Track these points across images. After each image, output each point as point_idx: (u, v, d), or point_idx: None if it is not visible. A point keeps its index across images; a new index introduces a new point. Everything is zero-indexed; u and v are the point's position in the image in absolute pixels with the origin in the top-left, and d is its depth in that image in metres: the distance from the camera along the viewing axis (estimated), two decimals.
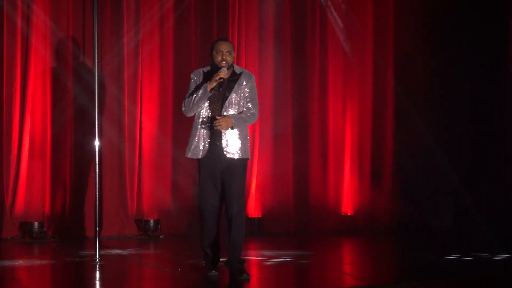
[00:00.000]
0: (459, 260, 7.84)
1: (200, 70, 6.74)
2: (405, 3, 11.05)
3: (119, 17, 9.99)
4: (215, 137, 6.59)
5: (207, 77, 6.61)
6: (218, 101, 6.61)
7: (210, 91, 6.54)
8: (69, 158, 9.75)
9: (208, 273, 6.75)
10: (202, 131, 6.61)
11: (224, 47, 6.61)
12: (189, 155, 6.66)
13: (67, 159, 9.75)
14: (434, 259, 7.97)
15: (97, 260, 7.44)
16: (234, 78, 6.66)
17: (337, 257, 8.84)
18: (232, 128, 6.56)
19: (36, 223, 9.50)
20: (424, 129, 10.81)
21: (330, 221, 10.73)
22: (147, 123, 10.08)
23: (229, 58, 6.60)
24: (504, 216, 10.22)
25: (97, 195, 7.67)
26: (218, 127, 6.49)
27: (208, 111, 6.60)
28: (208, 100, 6.59)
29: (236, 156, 6.59)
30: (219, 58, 6.58)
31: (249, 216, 10.34)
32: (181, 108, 6.68)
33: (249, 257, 7.86)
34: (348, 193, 10.92)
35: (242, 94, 6.65)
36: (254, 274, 6.89)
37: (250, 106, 6.68)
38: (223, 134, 6.58)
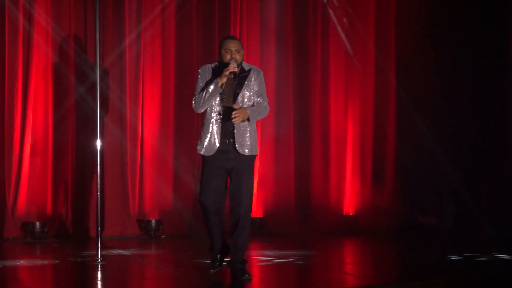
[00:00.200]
0: (461, 260, 7.83)
1: (208, 66, 6.69)
2: (407, 3, 11.05)
3: (120, 17, 9.98)
4: (226, 133, 6.54)
5: (216, 73, 6.56)
6: (230, 97, 6.57)
7: (221, 87, 6.51)
8: (71, 158, 9.76)
9: (209, 270, 6.74)
10: (215, 127, 6.54)
11: (233, 45, 6.57)
12: (202, 152, 6.57)
13: (69, 159, 9.75)
14: (435, 259, 7.97)
15: (99, 260, 7.45)
16: (243, 75, 6.62)
17: (338, 257, 8.83)
18: (248, 120, 6.53)
19: (37, 223, 9.50)
20: (425, 129, 10.81)
21: (331, 221, 10.73)
22: (149, 122, 10.08)
23: (238, 57, 6.55)
24: (505, 216, 10.22)
25: (99, 195, 7.66)
26: (235, 120, 6.44)
27: (219, 107, 6.57)
28: (219, 96, 6.57)
29: (248, 153, 6.56)
30: (228, 57, 6.53)
31: (251, 216, 10.32)
32: (191, 104, 6.63)
33: (250, 257, 7.86)
34: (349, 193, 10.92)
35: (252, 90, 6.62)
36: (255, 274, 6.89)
37: (261, 100, 6.65)
38: (235, 130, 6.54)
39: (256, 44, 10.55)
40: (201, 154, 6.63)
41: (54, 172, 9.70)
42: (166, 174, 10.12)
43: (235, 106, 6.52)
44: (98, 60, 7.73)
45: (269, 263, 7.66)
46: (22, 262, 7.70)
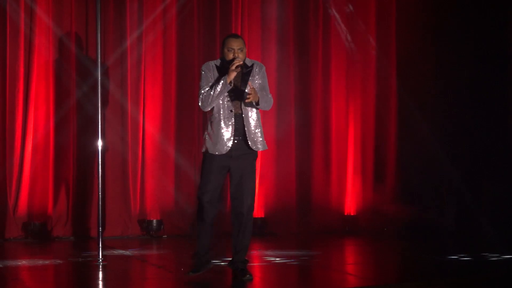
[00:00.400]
0: (461, 260, 7.83)
1: (212, 63, 6.60)
2: (408, 4, 11.04)
3: (122, 17, 9.99)
4: (237, 132, 6.48)
5: (221, 70, 6.50)
6: (237, 95, 6.52)
7: (230, 84, 6.45)
8: (72, 158, 9.76)
9: (189, 272, 6.62)
10: (224, 126, 6.47)
11: (235, 44, 6.50)
12: (213, 151, 6.46)
13: (70, 159, 9.75)
14: (437, 259, 7.96)
15: (100, 260, 7.45)
16: (247, 71, 6.57)
17: (340, 257, 8.84)
18: (257, 103, 6.48)
19: (39, 223, 9.51)
20: (426, 129, 10.80)
21: (333, 221, 10.72)
22: (150, 122, 10.08)
23: (241, 55, 6.49)
24: (507, 217, 10.21)
25: (100, 195, 7.67)
26: (251, 98, 6.38)
27: (227, 104, 6.49)
28: (228, 94, 6.50)
29: (261, 148, 6.53)
30: (231, 56, 6.47)
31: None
32: (198, 103, 6.55)
33: (252, 257, 7.86)
34: (351, 193, 10.92)
35: (255, 84, 6.57)
36: (257, 274, 6.88)
37: (264, 93, 6.61)
38: (245, 128, 6.48)
39: (257, 43, 10.54)
40: (203, 152, 6.59)
41: (55, 172, 9.70)
42: (167, 174, 10.11)
43: (249, 84, 6.47)
44: (99, 60, 7.73)
45: (270, 263, 7.66)
46: (23, 262, 7.70)
